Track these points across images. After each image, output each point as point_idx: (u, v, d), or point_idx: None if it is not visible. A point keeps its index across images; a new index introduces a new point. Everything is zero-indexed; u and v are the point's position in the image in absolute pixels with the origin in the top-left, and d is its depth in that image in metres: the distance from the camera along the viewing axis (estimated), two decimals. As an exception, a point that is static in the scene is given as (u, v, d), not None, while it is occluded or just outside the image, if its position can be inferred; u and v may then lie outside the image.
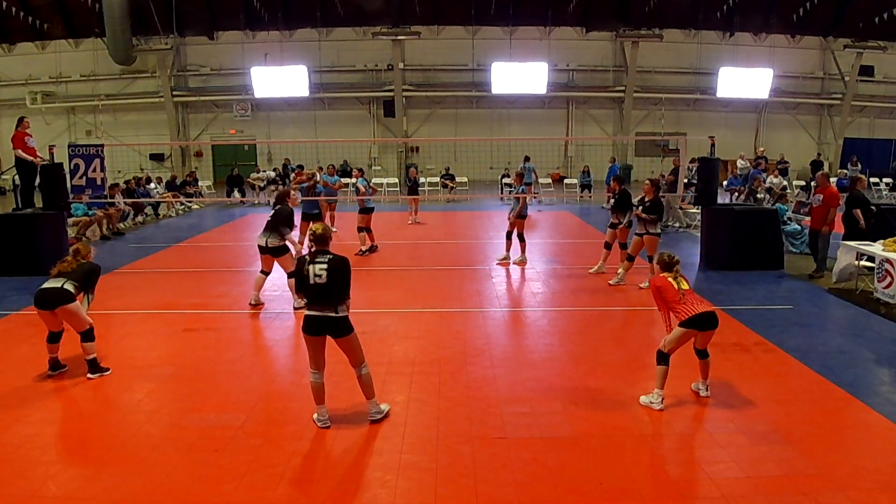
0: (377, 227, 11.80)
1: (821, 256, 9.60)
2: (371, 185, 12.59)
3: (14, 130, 10.40)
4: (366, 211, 11.44)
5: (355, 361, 4.82)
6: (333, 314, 4.63)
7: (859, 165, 21.74)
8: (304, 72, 24.90)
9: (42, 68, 26.09)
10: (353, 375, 4.95)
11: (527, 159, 19.09)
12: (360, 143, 26.36)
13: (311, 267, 4.64)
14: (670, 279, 5.11)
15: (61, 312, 5.58)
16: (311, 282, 4.63)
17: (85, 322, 5.69)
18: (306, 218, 11.06)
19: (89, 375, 5.74)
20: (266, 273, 8.11)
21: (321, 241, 4.78)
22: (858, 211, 9.44)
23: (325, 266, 4.63)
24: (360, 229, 11.46)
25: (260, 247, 7.90)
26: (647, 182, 9.18)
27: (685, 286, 5.10)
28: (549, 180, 21.86)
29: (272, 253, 7.85)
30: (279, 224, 7.89)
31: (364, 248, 11.42)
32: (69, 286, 5.60)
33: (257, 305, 8.12)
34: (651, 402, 5.07)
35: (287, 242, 7.92)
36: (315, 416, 4.85)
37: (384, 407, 4.98)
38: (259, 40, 26.03)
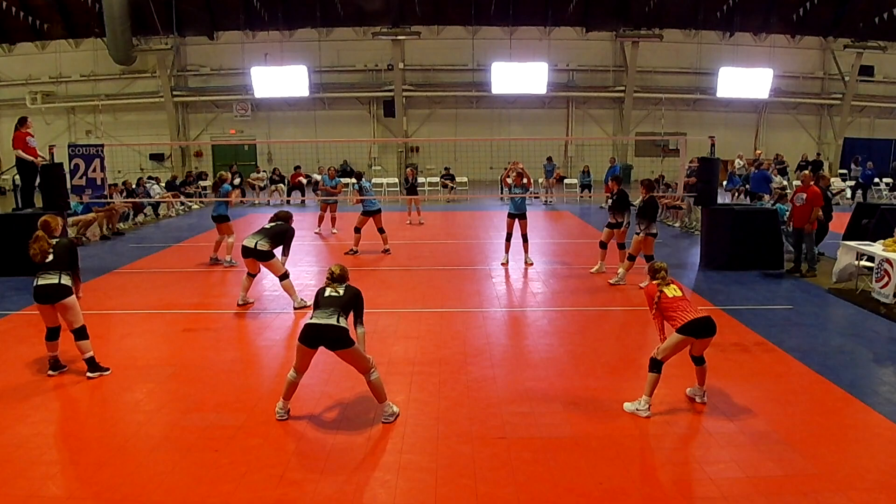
0: (373, 227, 11.75)
1: (809, 255, 9.64)
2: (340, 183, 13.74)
3: (14, 131, 10.38)
4: (367, 213, 11.47)
5: (362, 370, 4.83)
6: (335, 322, 4.65)
7: (863, 166, 21.24)
8: (304, 72, 24.90)
9: (42, 68, 26.09)
10: (354, 376, 4.96)
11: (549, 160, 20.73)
12: (360, 143, 26.36)
13: (328, 288, 4.91)
14: (662, 287, 5.06)
15: (60, 307, 5.63)
16: (326, 294, 4.86)
17: (79, 319, 5.72)
18: (220, 220, 10.70)
19: (89, 374, 5.75)
20: (252, 275, 8.08)
21: (340, 280, 4.97)
22: None
23: (343, 287, 4.92)
24: (356, 230, 11.52)
25: (247, 248, 7.71)
26: (641, 185, 9.27)
27: (677, 293, 5.03)
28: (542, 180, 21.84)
29: (258, 257, 7.72)
30: (285, 243, 7.96)
31: (354, 248, 11.47)
32: (65, 280, 5.63)
33: (245, 305, 8.12)
34: (637, 409, 4.97)
35: (276, 252, 7.90)
36: (278, 405, 4.96)
37: (396, 409, 4.99)
38: (259, 40, 26.02)
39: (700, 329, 4.88)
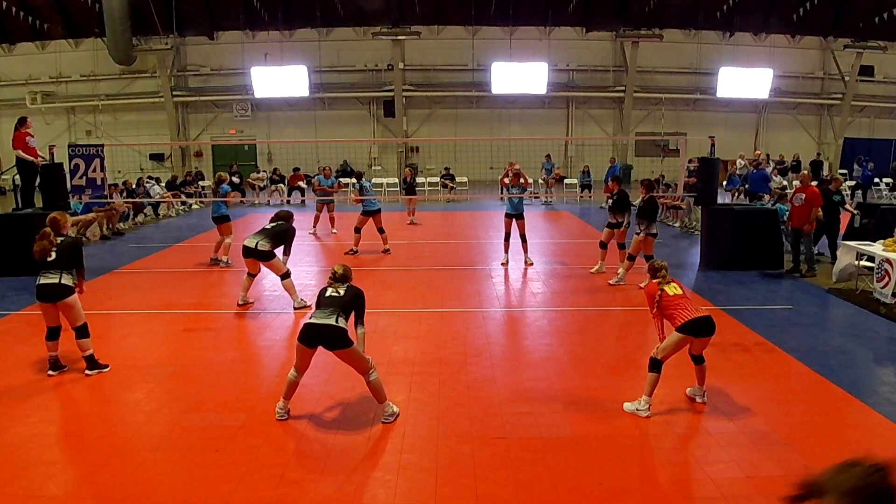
0: (373, 227, 11.76)
1: (808, 255, 9.63)
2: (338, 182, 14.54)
3: (14, 131, 10.38)
4: (367, 213, 11.49)
5: (361, 370, 4.83)
6: (334, 323, 4.65)
7: (864, 167, 20.91)
8: (304, 72, 24.89)
9: (42, 68, 26.07)
10: (354, 376, 4.96)
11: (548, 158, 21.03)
12: (360, 143, 26.35)
13: (330, 288, 4.92)
14: (662, 286, 5.06)
15: (62, 306, 5.65)
16: (328, 294, 4.87)
17: (81, 317, 5.74)
18: (221, 220, 10.70)
19: (87, 372, 5.77)
20: (252, 276, 8.07)
21: (342, 280, 4.98)
22: None
23: (345, 288, 4.92)
24: (356, 229, 11.57)
25: (247, 248, 7.69)
26: (641, 185, 9.29)
27: (678, 291, 5.03)
28: (542, 181, 21.85)
29: (259, 257, 7.72)
30: (286, 243, 7.95)
31: (355, 248, 11.50)
32: (67, 280, 5.64)
33: (245, 305, 8.11)
34: (637, 409, 4.97)
35: (277, 252, 7.89)
36: (278, 405, 4.95)
37: (396, 409, 4.99)
38: (259, 40, 26.01)
39: (699, 328, 4.88)
